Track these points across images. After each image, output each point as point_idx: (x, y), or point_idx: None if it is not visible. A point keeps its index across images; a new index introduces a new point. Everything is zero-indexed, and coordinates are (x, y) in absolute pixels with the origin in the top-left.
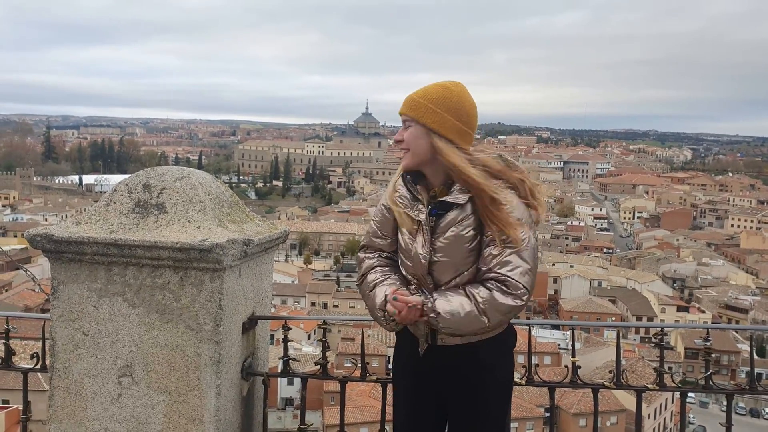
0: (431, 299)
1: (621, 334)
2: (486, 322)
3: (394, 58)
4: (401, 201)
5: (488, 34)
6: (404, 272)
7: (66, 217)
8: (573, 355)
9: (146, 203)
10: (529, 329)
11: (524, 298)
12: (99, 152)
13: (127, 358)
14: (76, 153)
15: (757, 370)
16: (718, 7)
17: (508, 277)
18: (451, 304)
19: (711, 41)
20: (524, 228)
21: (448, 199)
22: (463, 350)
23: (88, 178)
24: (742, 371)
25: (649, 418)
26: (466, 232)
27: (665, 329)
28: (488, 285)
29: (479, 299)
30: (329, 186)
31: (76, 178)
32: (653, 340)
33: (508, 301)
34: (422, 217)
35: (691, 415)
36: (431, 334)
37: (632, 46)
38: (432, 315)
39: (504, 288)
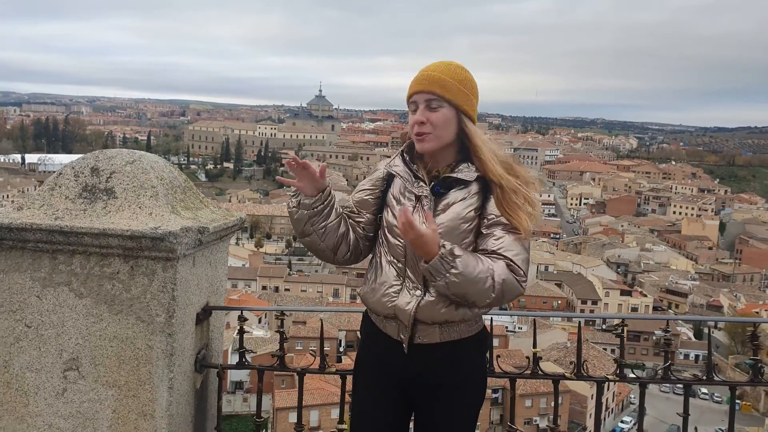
0: (448, 243)
1: (566, 319)
2: (492, 293)
3: (356, 41)
4: (400, 174)
5: (453, 20)
6: (388, 257)
7: (7, 197)
8: (534, 346)
9: (94, 188)
10: (491, 320)
11: (524, 285)
12: (43, 130)
13: (73, 351)
14: (18, 131)
15: (693, 352)
16: (681, 0)
17: (513, 261)
18: (468, 256)
19: (672, 33)
20: (531, 222)
21: (456, 175)
22: (441, 350)
23: (31, 157)
24: (680, 353)
25: (591, 398)
26: (468, 212)
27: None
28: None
29: (496, 269)
30: (281, 169)
31: (18, 156)
32: (615, 331)
33: (515, 283)
34: (424, 192)
35: (632, 395)
36: (410, 330)
37: (596, 35)
38: (449, 252)
39: (511, 270)
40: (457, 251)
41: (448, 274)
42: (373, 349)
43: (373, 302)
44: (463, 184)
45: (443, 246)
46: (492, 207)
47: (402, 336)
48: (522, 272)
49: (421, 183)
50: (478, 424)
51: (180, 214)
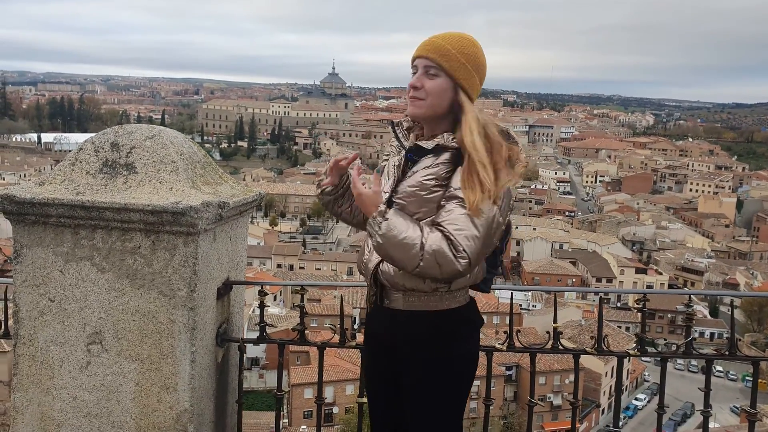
0: (385, 206)
1: (581, 296)
2: (419, 261)
3: (371, 17)
4: (391, 148)
5: None
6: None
7: (24, 176)
8: (555, 321)
9: (115, 163)
10: (512, 295)
11: (463, 263)
12: (58, 110)
13: (96, 325)
14: (34, 110)
15: (709, 330)
16: None
17: (452, 235)
18: (399, 221)
19: (691, 8)
20: (488, 202)
21: (420, 143)
22: (406, 318)
23: (47, 137)
24: (696, 330)
25: (606, 375)
26: (428, 180)
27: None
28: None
29: (429, 239)
30: (295, 147)
31: (34, 136)
32: (636, 307)
33: (449, 257)
34: (396, 159)
35: (646, 373)
36: (380, 293)
37: (613, 11)
38: (379, 213)
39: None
40: (389, 214)
41: (375, 235)
42: (367, 315)
43: (358, 263)
44: (433, 152)
45: (379, 208)
46: (455, 179)
47: (370, 297)
48: (461, 248)
49: (403, 152)
50: (492, 398)
51: (200, 189)
